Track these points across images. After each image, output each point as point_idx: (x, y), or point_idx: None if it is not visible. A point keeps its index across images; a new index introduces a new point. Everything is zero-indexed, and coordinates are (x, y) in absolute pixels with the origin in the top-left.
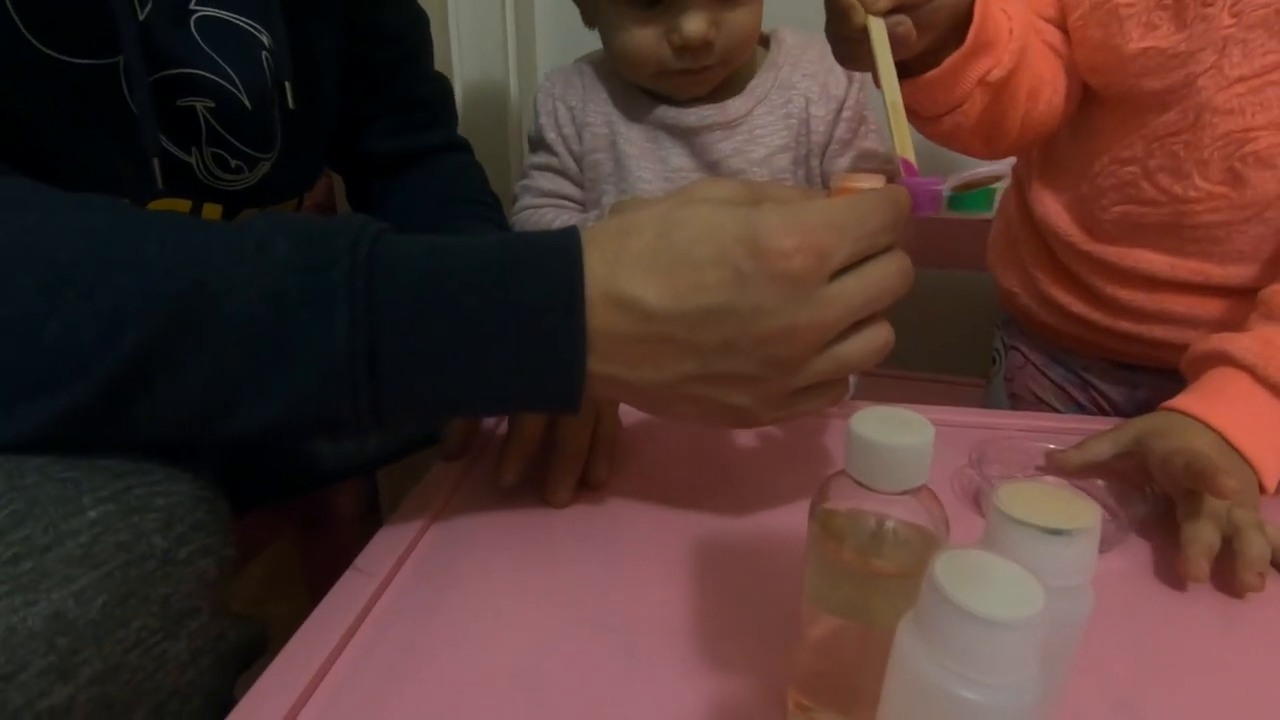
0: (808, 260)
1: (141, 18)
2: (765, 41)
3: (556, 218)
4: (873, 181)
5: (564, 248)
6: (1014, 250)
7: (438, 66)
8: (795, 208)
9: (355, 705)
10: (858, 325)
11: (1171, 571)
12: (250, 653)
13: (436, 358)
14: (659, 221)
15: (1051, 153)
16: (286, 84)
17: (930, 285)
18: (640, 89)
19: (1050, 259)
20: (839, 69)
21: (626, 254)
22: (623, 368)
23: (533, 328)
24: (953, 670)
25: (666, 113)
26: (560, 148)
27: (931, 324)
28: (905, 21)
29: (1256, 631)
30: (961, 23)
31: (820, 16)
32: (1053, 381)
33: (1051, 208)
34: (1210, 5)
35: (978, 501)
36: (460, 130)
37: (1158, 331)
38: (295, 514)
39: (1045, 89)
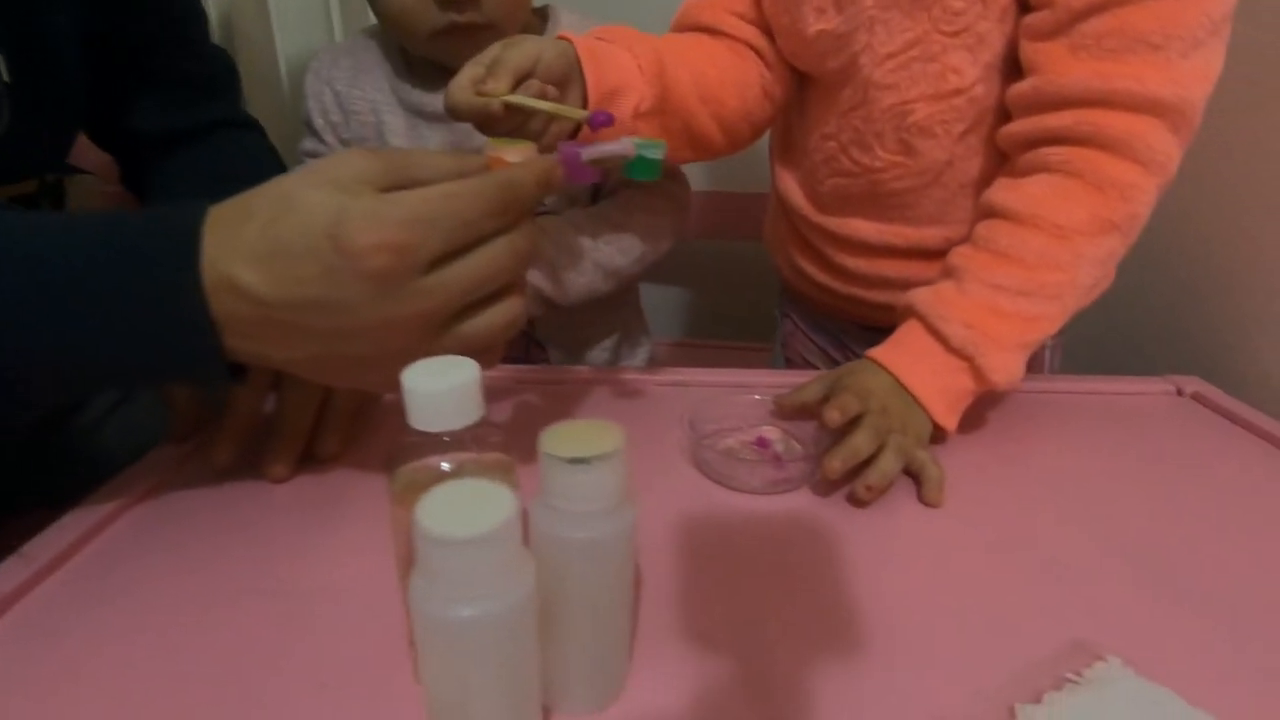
0: (388, 259)
1: None
2: (545, 19)
3: None
4: (521, 152)
5: (183, 230)
6: (775, 227)
7: (257, 39)
8: (384, 202)
9: None
10: (487, 300)
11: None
12: None
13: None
14: (273, 206)
15: (784, 136)
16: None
17: (731, 255)
18: (419, 64)
19: (795, 233)
20: None
21: (238, 239)
22: (261, 345)
23: (154, 308)
24: (445, 596)
25: (424, 98)
26: (328, 135)
27: (732, 293)
28: (534, 83)
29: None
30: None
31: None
32: (817, 345)
33: (788, 184)
34: None
35: (694, 458)
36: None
37: (882, 296)
38: None
39: (725, 91)
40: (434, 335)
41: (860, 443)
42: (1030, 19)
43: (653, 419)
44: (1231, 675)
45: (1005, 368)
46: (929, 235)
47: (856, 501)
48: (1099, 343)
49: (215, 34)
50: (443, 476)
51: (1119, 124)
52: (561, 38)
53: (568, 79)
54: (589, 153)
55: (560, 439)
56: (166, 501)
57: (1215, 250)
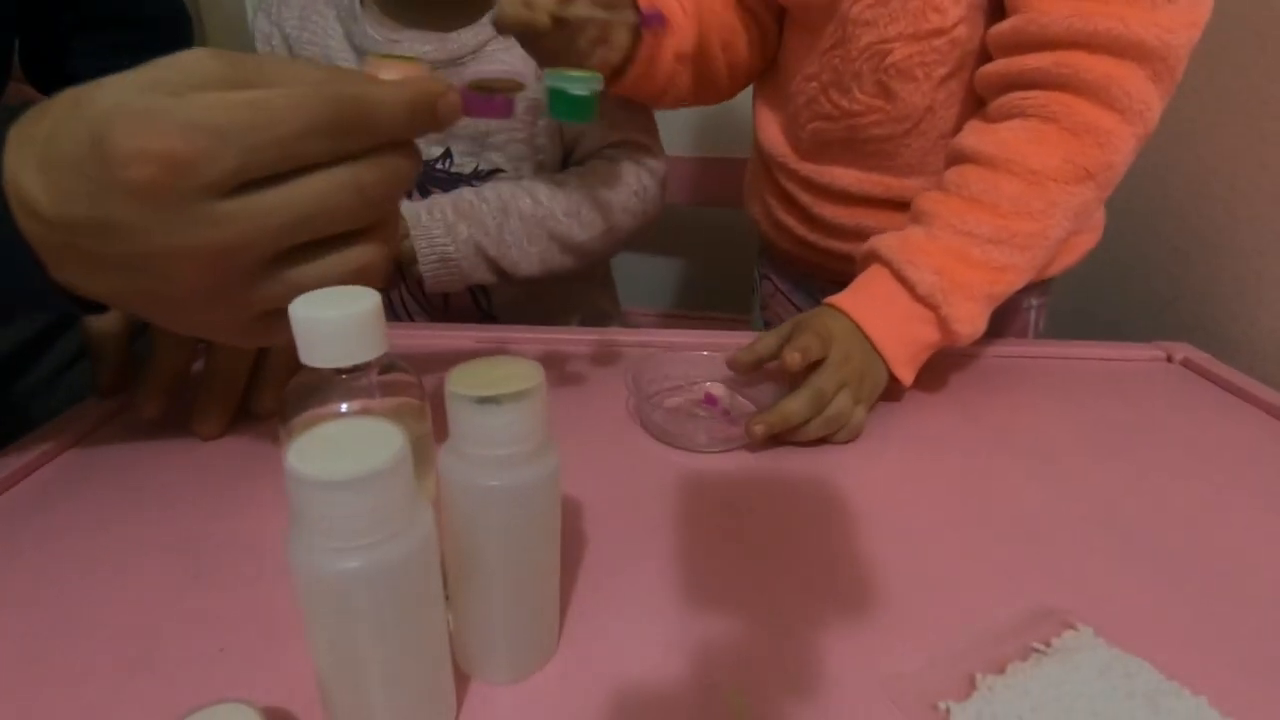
0: (153, 171)
1: None
2: None
3: None
4: (402, 69)
5: None
6: (756, 181)
7: None
8: (165, 104)
9: None
10: (329, 244)
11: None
12: None
13: None
14: (64, 107)
15: (767, 81)
16: None
17: (712, 223)
18: (373, 5)
19: (775, 184)
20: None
21: (29, 146)
22: (72, 273)
23: None
24: (327, 546)
25: (379, 45)
26: None
27: (712, 262)
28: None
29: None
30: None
31: None
32: (797, 306)
33: (769, 131)
34: None
35: (640, 418)
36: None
37: (862, 248)
38: None
39: (739, 38)
40: (250, 277)
41: (794, 410)
42: None
43: (602, 381)
44: (1208, 647)
45: (970, 318)
46: (910, 186)
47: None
48: (1088, 309)
49: None
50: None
51: (1099, 68)
52: None
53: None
54: (470, 75)
55: (470, 378)
56: (89, 455)
57: (1205, 214)
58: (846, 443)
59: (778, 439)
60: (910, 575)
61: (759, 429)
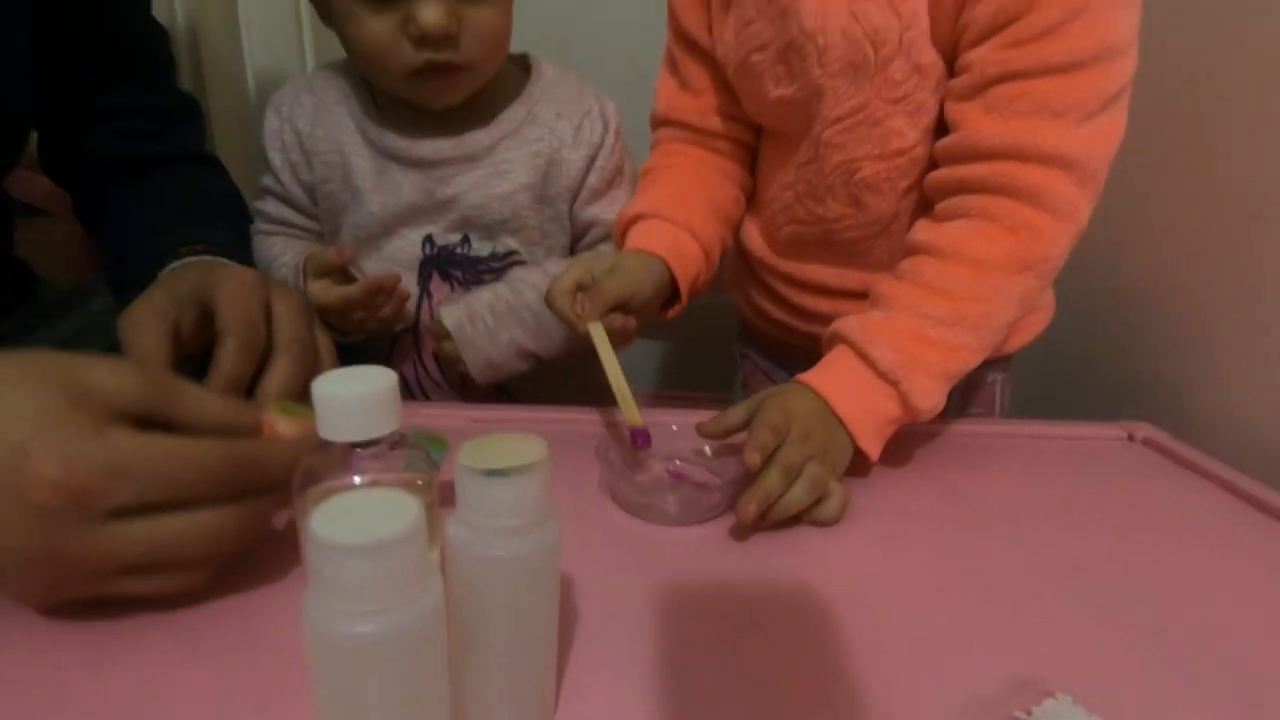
0: (61, 500)
1: None
2: (527, 69)
3: (286, 250)
4: (299, 425)
5: None
6: (737, 272)
7: (224, 53)
8: (88, 441)
9: None
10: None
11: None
12: None
13: None
14: None
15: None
16: None
17: (695, 309)
18: (389, 104)
19: (756, 277)
20: (595, 113)
21: None
22: None
23: None
24: (340, 610)
25: (398, 143)
26: (286, 175)
27: (695, 346)
28: (619, 318)
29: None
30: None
31: (577, 55)
32: (776, 384)
33: (749, 232)
34: (806, 60)
35: (610, 488)
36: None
37: (827, 331)
38: None
39: (740, 199)
40: (88, 582)
41: (773, 483)
42: (953, 83)
43: (574, 456)
44: (1180, 709)
45: (929, 394)
46: (881, 279)
47: (757, 523)
48: (1050, 388)
49: (181, 49)
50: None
51: (1030, 176)
52: (651, 253)
53: (660, 296)
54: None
55: (478, 452)
56: None
57: (1163, 299)
58: (836, 522)
59: (765, 518)
60: (890, 646)
61: (751, 508)
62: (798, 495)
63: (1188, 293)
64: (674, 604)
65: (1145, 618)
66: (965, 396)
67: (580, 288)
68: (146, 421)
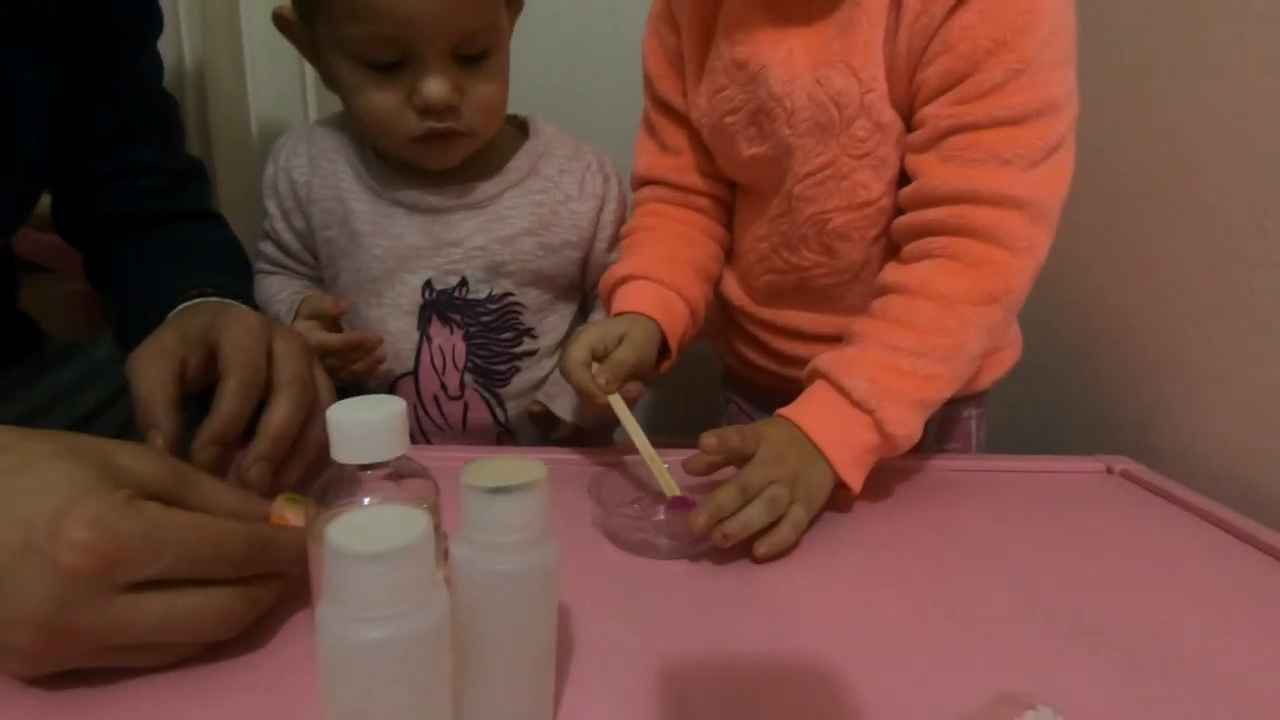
0: (89, 561)
1: None
2: (524, 129)
3: (283, 288)
4: (305, 512)
5: None
6: (718, 320)
7: (231, 101)
8: (123, 509)
9: None
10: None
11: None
12: None
13: None
14: (24, 454)
15: None
16: None
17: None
18: (382, 159)
19: (735, 324)
20: (594, 166)
21: None
22: None
23: None
24: (353, 617)
25: (402, 188)
26: (279, 222)
27: (680, 392)
28: (633, 386)
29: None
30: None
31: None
32: None
33: (727, 281)
34: (775, 121)
35: (603, 524)
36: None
37: (805, 369)
38: None
39: (719, 255)
40: (88, 655)
41: (726, 498)
42: (911, 137)
43: (569, 494)
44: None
45: (904, 421)
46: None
47: (708, 534)
48: (1025, 423)
49: (190, 107)
50: None
51: (985, 216)
52: (644, 315)
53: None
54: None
55: (481, 472)
56: None
57: (1132, 335)
58: (793, 545)
59: (739, 548)
60: (877, 669)
61: (700, 519)
62: (754, 513)
63: (1156, 329)
64: (666, 634)
65: (1125, 637)
66: (942, 432)
67: (594, 358)
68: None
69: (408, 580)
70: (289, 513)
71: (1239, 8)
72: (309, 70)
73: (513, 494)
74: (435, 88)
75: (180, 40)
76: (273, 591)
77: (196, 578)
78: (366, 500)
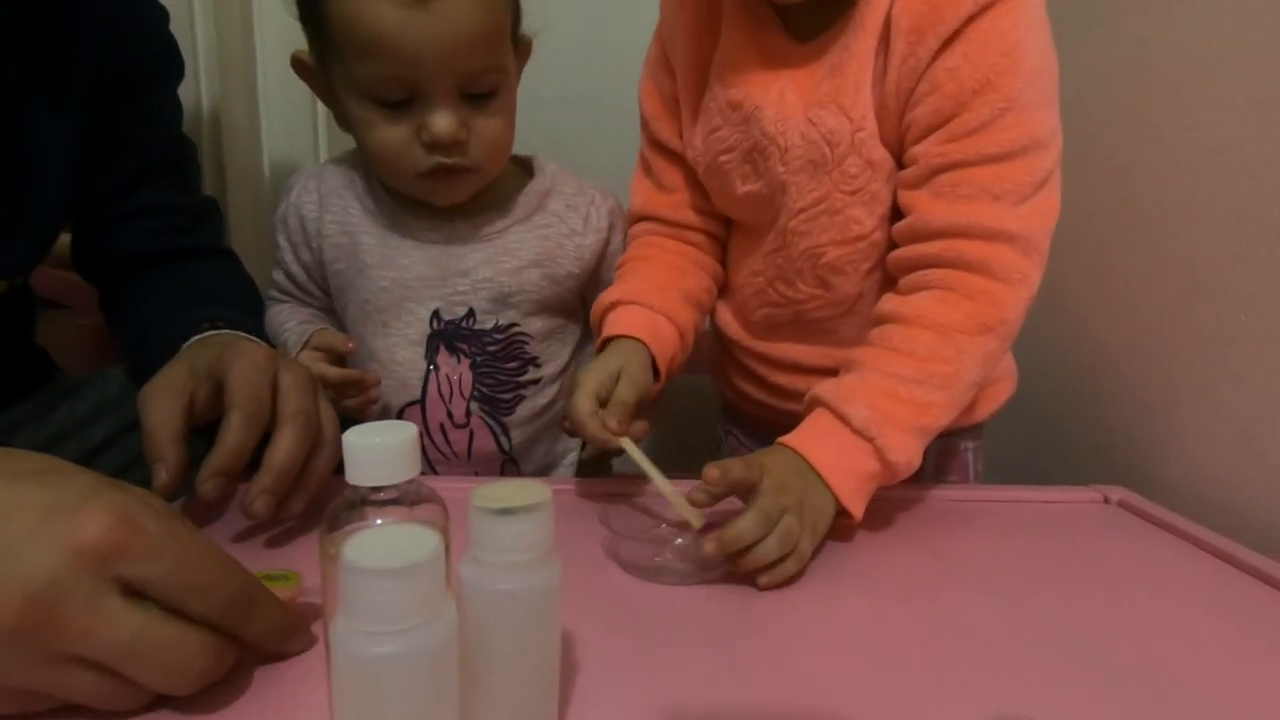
0: (102, 540)
1: None
2: (528, 168)
3: (291, 317)
4: (287, 591)
5: None
6: (715, 355)
7: (246, 165)
8: (153, 509)
9: None
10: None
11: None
12: None
13: None
14: (50, 459)
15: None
16: None
17: (678, 390)
18: (391, 194)
19: (733, 358)
20: (598, 201)
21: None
22: None
23: None
24: (366, 631)
25: (410, 221)
26: (289, 256)
27: (678, 425)
28: (639, 425)
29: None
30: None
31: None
32: None
33: (724, 316)
34: (770, 159)
35: (612, 552)
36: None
37: (805, 397)
38: None
39: (711, 288)
40: (49, 661)
41: (744, 529)
42: (903, 174)
43: (578, 521)
44: None
45: (904, 448)
46: None
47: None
48: (1021, 455)
49: (206, 148)
50: None
51: (977, 250)
52: (637, 340)
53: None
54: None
55: (488, 495)
56: None
57: (1125, 367)
58: (797, 575)
59: (743, 574)
60: (878, 692)
61: (711, 547)
62: (770, 547)
63: (1146, 359)
64: (670, 658)
65: (1122, 661)
66: (940, 465)
67: (599, 403)
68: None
69: (419, 596)
70: (275, 589)
71: (1217, 50)
72: (320, 113)
73: (518, 515)
74: (443, 123)
75: (199, 85)
76: (233, 654)
77: (178, 603)
78: (378, 522)
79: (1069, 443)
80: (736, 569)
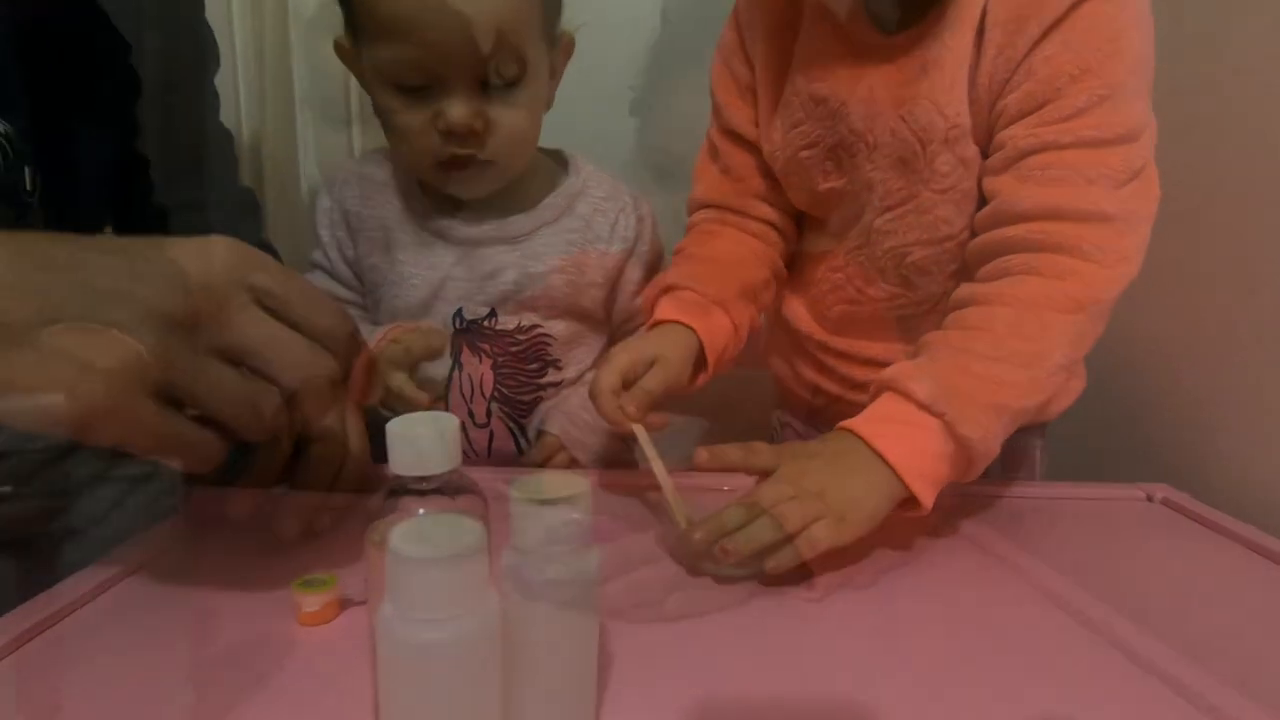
0: (248, 254)
1: None
2: (563, 163)
3: None
4: (319, 599)
5: None
6: (778, 344)
7: (283, 164)
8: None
9: None
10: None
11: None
12: None
13: None
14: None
15: (792, 270)
16: (26, 169)
17: (727, 384)
18: (425, 191)
19: (800, 349)
20: (629, 209)
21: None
22: None
23: None
24: (412, 618)
25: (442, 220)
26: (333, 252)
27: (727, 422)
28: (657, 417)
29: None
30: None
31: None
32: None
33: (794, 309)
34: (856, 156)
35: (669, 548)
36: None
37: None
38: None
39: (770, 282)
40: (198, 353)
41: (727, 516)
42: (988, 161)
43: (638, 516)
44: None
45: (979, 422)
46: None
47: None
48: (1067, 453)
49: (244, 147)
50: None
51: (1067, 230)
52: (688, 327)
53: (690, 368)
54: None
55: (529, 485)
56: (157, 577)
57: (1174, 362)
58: (806, 559)
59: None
60: (922, 690)
61: (698, 535)
62: (751, 533)
63: (1193, 354)
64: (706, 649)
65: (1165, 662)
66: (1008, 464)
67: (625, 383)
68: None
69: (464, 584)
70: (304, 597)
71: (1270, 44)
72: (356, 120)
73: (559, 506)
74: (456, 111)
75: (237, 78)
76: (341, 382)
77: (300, 318)
78: (421, 511)
79: (1113, 439)
80: (726, 556)
